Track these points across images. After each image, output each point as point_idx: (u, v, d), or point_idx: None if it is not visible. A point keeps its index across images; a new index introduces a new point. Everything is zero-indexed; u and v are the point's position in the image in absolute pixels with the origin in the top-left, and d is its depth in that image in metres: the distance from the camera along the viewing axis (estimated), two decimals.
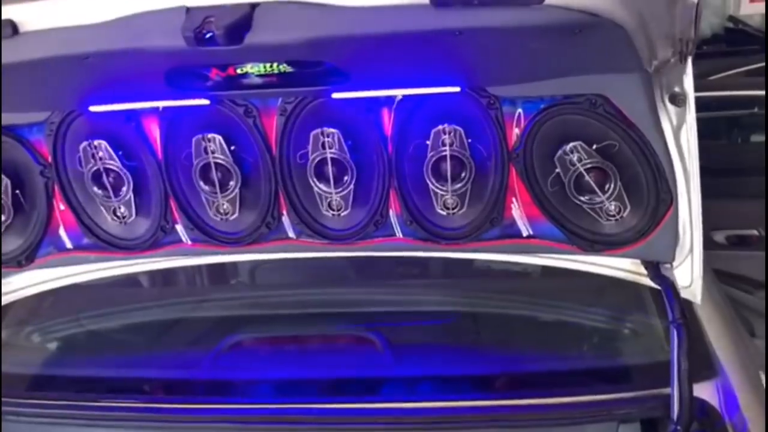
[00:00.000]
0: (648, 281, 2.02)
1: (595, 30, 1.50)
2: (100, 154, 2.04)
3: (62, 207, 2.16)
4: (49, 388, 2.34)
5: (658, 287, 1.96)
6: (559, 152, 1.88)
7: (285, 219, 2.10)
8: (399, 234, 2.08)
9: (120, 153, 2.05)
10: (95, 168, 2.06)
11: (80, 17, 1.57)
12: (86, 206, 2.16)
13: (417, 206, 2.04)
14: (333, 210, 2.07)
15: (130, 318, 2.75)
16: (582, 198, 1.92)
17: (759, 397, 1.98)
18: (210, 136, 1.99)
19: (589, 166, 1.87)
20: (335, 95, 1.87)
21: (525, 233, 2.03)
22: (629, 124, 1.81)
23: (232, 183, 2.04)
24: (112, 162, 2.05)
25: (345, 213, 2.07)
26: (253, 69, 1.69)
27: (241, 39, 1.51)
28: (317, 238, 2.11)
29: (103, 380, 2.37)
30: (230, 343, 2.46)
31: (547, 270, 2.16)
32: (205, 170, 2.03)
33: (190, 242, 2.17)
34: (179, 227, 2.14)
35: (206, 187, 2.05)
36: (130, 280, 2.76)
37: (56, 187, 2.12)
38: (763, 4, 7.42)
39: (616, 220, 1.93)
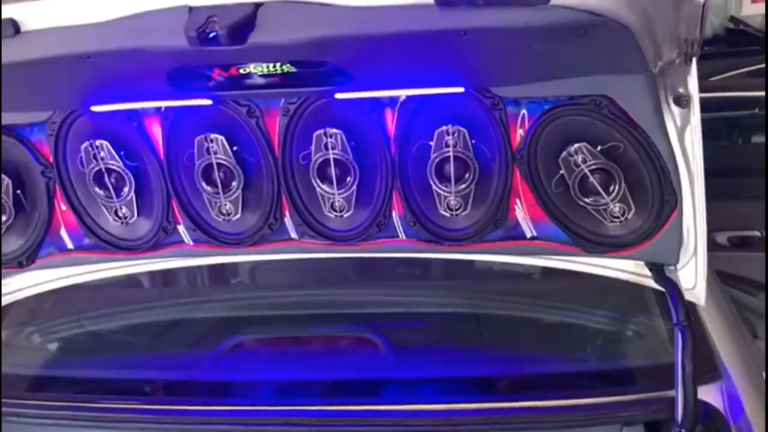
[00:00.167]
0: (652, 283, 2.01)
1: (600, 30, 1.49)
2: (102, 154, 2.03)
3: (63, 207, 2.15)
4: (50, 389, 2.34)
5: (663, 289, 1.95)
6: (564, 153, 1.88)
7: (287, 220, 2.09)
8: (402, 235, 2.07)
9: (122, 153, 2.04)
10: (97, 168, 2.05)
11: (82, 16, 1.56)
12: (88, 207, 2.15)
13: (420, 207, 2.03)
14: (336, 211, 2.06)
15: (131, 319, 2.74)
16: (586, 199, 1.91)
17: (764, 400, 1.97)
18: (212, 136, 1.98)
19: (593, 167, 1.86)
20: (338, 95, 1.86)
21: (529, 235, 2.02)
22: (634, 126, 1.80)
23: (234, 184, 2.03)
24: (113, 162, 2.04)
25: (348, 214, 2.06)
26: (256, 69, 1.69)
27: (244, 39, 1.50)
28: (320, 239, 2.10)
29: (104, 381, 2.37)
30: (231, 344, 2.45)
31: (550, 271, 2.15)
32: (208, 171, 2.02)
33: (191, 243, 2.16)
34: (181, 228, 2.14)
35: (208, 188, 2.04)
36: (132, 280, 2.75)
37: (57, 188, 2.11)
38: (764, 5, 7.41)
39: (621, 221, 1.93)
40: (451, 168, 1.94)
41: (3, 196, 2.09)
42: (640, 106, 1.77)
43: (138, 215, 2.14)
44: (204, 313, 2.75)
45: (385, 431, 2.05)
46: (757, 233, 3.89)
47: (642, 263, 2.01)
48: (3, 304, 2.31)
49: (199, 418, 2.10)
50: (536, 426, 2.00)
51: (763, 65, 5.58)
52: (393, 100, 1.92)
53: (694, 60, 1.72)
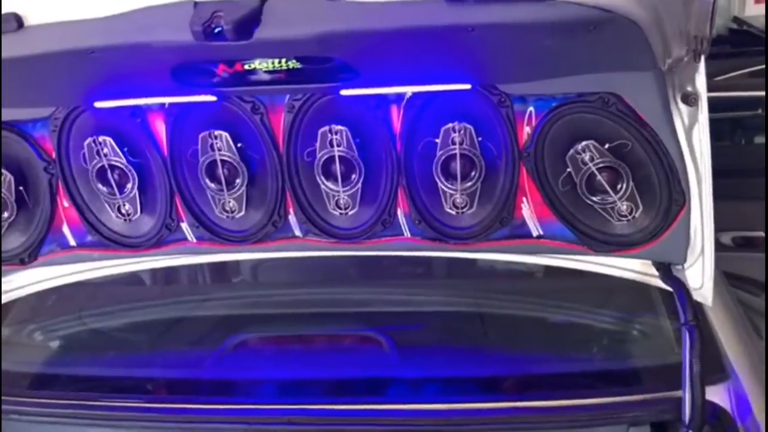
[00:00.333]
0: (659, 282, 1.99)
1: (610, 27, 1.48)
2: (105, 150, 2.02)
3: (66, 204, 2.14)
4: (51, 387, 2.33)
5: (670, 289, 1.94)
6: (571, 151, 1.86)
7: (291, 217, 2.08)
8: (407, 233, 2.06)
9: (125, 149, 2.03)
10: (100, 164, 2.04)
11: (86, 11, 1.55)
12: (90, 203, 2.13)
13: (426, 205, 2.01)
14: (340, 208, 2.04)
15: (134, 316, 2.74)
16: (594, 198, 1.89)
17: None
18: (216, 132, 1.96)
19: (601, 165, 1.84)
20: (344, 92, 1.85)
21: (535, 233, 2.00)
22: (642, 124, 1.78)
23: (238, 181, 2.01)
24: (117, 159, 2.03)
25: (352, 212, 2.04)
26: (261, 65, 1.67)
27: (250, 34, 1.49)
28: (324, 237, 2.08)
29: (106, 379, 2.36)
30: (235, 343, 2.45)
31: (556, 270, 2.14)
32: (212, 167, 2.00)
33: (195, 240, 2.14)
34: (184, 225, 2.12)
35: (212, 185, 2.03)
36: (134, 278, 2.74)
37: (60, 184, 2.10)
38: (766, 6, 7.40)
39: (628, 220, 1.91)
40: (457, 166, 1.92)
41: (5, 192, 2.08)
42: (648, 103, 1.76)
43: (141, 212, 2.12)
44: (207, 311, 2.74)
45: (389, 430, 2.03)
46: (762, 233, 3.87)
47: (649, 262, 1.99)
48: (4, 301, 2.30)
49: (201, 416, 2.09)
50: (541, 426, 1.99)
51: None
52: (399, 97, 1.90)
53: (703, 57, 1.71)
